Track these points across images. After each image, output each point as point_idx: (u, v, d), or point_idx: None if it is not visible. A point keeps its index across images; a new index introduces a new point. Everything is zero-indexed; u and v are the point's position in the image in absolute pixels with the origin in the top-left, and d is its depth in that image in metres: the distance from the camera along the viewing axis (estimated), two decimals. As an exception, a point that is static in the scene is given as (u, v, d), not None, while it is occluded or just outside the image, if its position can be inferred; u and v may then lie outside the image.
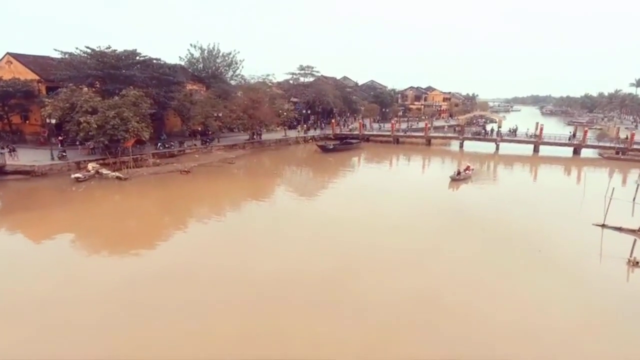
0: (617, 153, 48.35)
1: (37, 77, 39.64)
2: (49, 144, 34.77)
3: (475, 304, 14.24)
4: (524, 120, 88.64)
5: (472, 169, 36.58)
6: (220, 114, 45.13)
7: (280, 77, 65.26)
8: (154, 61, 42.33)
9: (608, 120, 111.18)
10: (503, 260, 18.16)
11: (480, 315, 13.57)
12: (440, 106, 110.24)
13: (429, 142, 57.00)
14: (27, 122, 41.84)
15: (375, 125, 70.85)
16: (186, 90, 45.49)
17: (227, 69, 55.21)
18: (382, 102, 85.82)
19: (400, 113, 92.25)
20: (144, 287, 14.93)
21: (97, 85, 38.71)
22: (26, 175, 30.54)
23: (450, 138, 60.47)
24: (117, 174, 31.26)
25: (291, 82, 66.66)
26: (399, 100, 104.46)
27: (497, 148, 52.16)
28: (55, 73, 38.13)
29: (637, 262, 17.65)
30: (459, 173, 33.79)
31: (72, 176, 30.04)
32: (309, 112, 65.31)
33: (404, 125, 70.79)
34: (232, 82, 55.34)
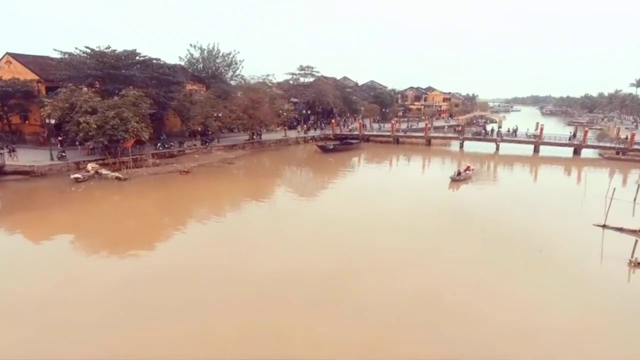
0: (618, 153, 48.33)
1: (36, 77, 39.61)
2: (48, 144, 34.75)
3: (475, 304, 14.23)
4: (524, 120, 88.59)
5: (473, 169, 36.57)
6: (220, 114, 45.11)
7: (280, 77, 65.42)
8: (154, 61, 42.31)
9: (608, 120, 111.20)
10: (503, 261, 18.15)
11: (480, 315, 13.57)
12: (440, 106, 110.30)
13: (429, 143, 56.99)
14: (27, 122, 41.82)
15: (375, 126, 70.85)
16: (186, 90, 45.44)
17: (227, 69, 55.18)
18: (382, 102, 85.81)
19: (400, 113, 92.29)
20: (143, 287, 14.92)
21: (97, 86, 38.68)
22: (25, 176, 30.51)
23: (451, 138, 60.44)
24: (116, 174, 31.24)
25: (291, 82, 66.66)
26: (399, 101, 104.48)
27: (497, 148, 52.15)
28: (54, 73, 38.09)
29: (639, 263, 17.59)
30: (459, 173, 33.76)
31: (72, 176, 30.02)
32: (309, 112, 65.30)
33: (404, 126, 70.83)
34: (232, 82, 55.32)
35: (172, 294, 14.33)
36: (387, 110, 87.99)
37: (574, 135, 54.53)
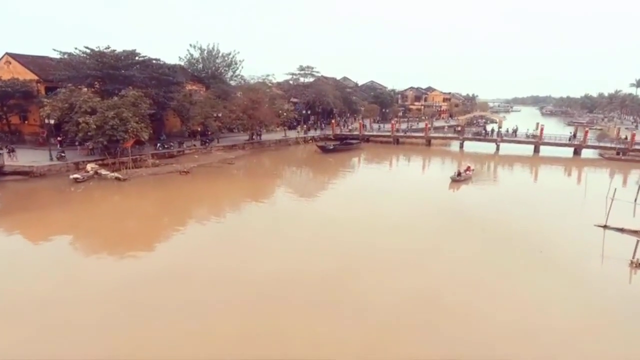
0: (618, 154, 48.31)
1: (36, 78, 39.58)
2: (47, 145, 34.66)
3: (475, 304, 14.23)
4: (524, 120, 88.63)
5: (473, 170, 36.57)
6: (219, 115, 45.08)
7: (280, 77, 65.38)
8: (154, 61, 42.24)
9: (608, 120, 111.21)
10: (503, 261, 18.14)
11: (480, 315, 13.56)
12: (440, 106, 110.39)
13: (429, 143, 56.99)
14: (26, 122, 41.80)
15: (375, 126, 70.84)
16: (186, 90, 45.38)
17: (227, 69, 55.14)
18: (382, 102, 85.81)
19: (400, 113, 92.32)
20: (143, 287, 14.91)
21: (96, 86, 38.64)
22: (25, 176, 30.48)
23: (451, 138, 60.43)
24: (116, 174, 31.22)
25: (291, 82, 66.63)
26: (399, 101, 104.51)
27: (498, 148, 52.14)
28: (54, 73, 38.02)
29: None
30: (459, 174, 33.73)
31: (71, 177, 30.00)
32: (308, 112, 65.29)
33: (404, 126, 70.86)
34: (232, 83, 55.30)
35: (172, 294, 14.33)
36: (387, 111, 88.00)
37: (574, 136, 54.52)
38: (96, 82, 38.67)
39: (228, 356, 11.32)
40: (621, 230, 21.65)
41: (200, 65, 53.82)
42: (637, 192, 24.60)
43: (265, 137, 51.84)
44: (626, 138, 51.74)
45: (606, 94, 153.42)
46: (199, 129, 46.44)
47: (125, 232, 21.79)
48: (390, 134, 59.52)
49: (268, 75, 57.90)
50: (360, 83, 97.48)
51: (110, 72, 37.64)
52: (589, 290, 15.81)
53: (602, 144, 53.03)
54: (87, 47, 38.58)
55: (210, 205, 27.34)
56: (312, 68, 65.80)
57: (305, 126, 61.30)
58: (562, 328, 13.02)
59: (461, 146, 55.22)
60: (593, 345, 12.48)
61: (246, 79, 56.08)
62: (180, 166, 35.65)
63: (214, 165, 37.99)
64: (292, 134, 56.38)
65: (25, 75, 39.64)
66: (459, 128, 63.28)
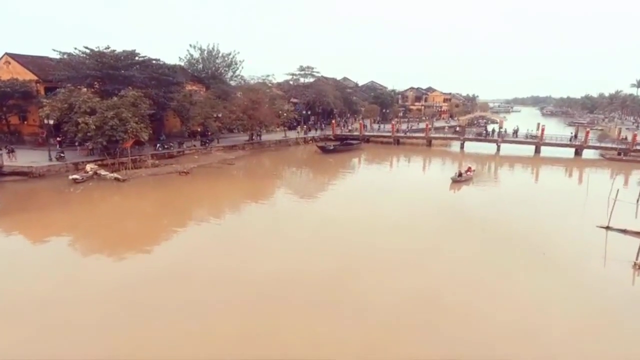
0: (619, 154, 48.25)
1: (35, 78, 39.63)
2: (47, 145, 34.67)
3: (475, 304, 14.21)
4: (525, 121, 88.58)
5: (474, 170, 36.50)
6: (219, 115, 45.08)
7: (280, 77, 65.49)
8: (153, 61, 42.24)
9: (609, 121, 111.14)
10: (503, 261, 18.12)
11: (480, 315, 13.55)
12: (441, 107, 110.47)
13: (429, 143, 56.98)
14: (25, 122, 41.84)
15: (376, 126, 70.82)
16: (185, 90, 45.35)
17: (227, 69, 55.21)
18: (382, 102, 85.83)
19: (401, 114, 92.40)
20: (143, 287, 14.90)
21: (96, 86, 38.65)
22: (24, 177, 30.48)
23: (451, 139, 60.36)
24: (115, 175, 31.20)
25: (291, 82, 66.67)
26: (399, 101, 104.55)
27: (498, 149, 52.07)
28: (53, 73, 37.99)
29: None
30: (460, 174, 33.67)
31: (70, 177, 29.98)
32: (309, 112, 65.28)
33: (404, 126, 70.85)
34: (232, 83, 55.35)
35: (172, 294, 14.32)
36: (388, 111, 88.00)
37: (576, 136, 54.49)
38: (96, 82, 38.68)
39: (228, 356, 11.30)
40: (624, 231, 21.43)
41: (200, 66, 53.87)
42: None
43: (265, 137, 51.84)
44: (626, 138, 51.67)
45: (607, 95, 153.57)
46: (199, 130, 46.47)
47: (125, 232, 21.78)
48: (390, 134, 59.49)
49: (268, 76, 58.10)
50: (360, 83, 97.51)
51: (110, 72, 37.63)
52: (590, 291, 15.77)
53: (603, 145, 52.89)
54: (86, 47, 38.58)
55: (210, 206, 27.34)
56: (312, 68, 65.92)
57: (305, 126, 61.25)
58: (562, 328, 13.00)
59: (462, 147, 55.15)
60: (593, 346, 12.46)
61: (246, 79, 56.23)
62: (180, 167, 35.63)
63: (213, 166, 37.97)
64: (292, 135, 56.37)
65: (25, 75, 39.67)
66: (459, 129, 63.26)
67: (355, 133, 60.08)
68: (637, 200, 25.48)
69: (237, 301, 14.05)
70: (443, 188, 32.12)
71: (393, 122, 66.31)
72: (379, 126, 70.56)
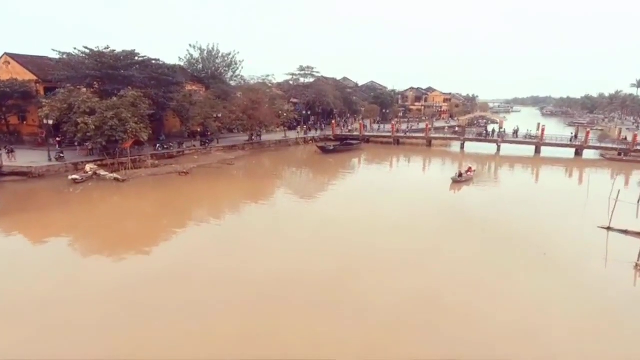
0: (620, 154, 48.20)
1: (35, 78, 39.64)
2: (46, 145, 34.66)
3: (475, 304, 14.20)
4: (525, 121, 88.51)
5: (474, 171, 36.46)
6: (219, 115, 45.09)
7: (280, 77, 65.48)
8: (153, 61, 42.24)
9: (609, 121, 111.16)
10: (503, 261, 18.11)
11: (480, 315, 13.54)
12: (441, 107, 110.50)
13: (429, 143, 56.97)
14: (25, 122, 41.84)
15: (376, 126, 70.83)
16: (185, 90, 45.36)
17: (227, 69, 55.23)
18: (382, 103, 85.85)
19: (401, 114, 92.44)
20: (143, 288, 14.89)
21: (96, 86, 38.66)
22: (23, 177, 30.46)
23: (451, 139, 60.32)
24: (115, 175, 31.17)
25: (291, 82, 66.68)
26: (399, 101, 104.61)
27: (499, 149, 52.05)
28: (53, 73, 37.99)
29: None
30: (460, 175, 33.63)
31: (70, 177, 29.95)
32: (309, 113, 65.30)
33: (404, 126, 70.84)
34: (232, 83, 55.37)
35: (172, 294, 14.31)
36: (388, 111, 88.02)
37: (576, 136, 54.46)
38: (95, 83, 38.68)
39: (228, 356, 11.29)
40: (625, 232, 21.32)
41: (200, 66, 53.88)
42: (640, 193, 24.47)
43: (265, 137, 51.83)
44: (626, 138, 51.64)
45: (607, 95, 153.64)
46: (199, 130, 46.48)
47: (124, 232, 21.77)
48: (390, 134, 59.49)
49: (268, 76, 58.10)
50: (360, 83, 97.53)
51: (110, 72, 37.62)
52: (590, 291, 15.76)
53: (603, 145, 52.83)
54: (86, 47, 38.58)
55: (210, 206, 27.33)
56: (312, 68, 65.95)
57: (305, 127, 61.25)
58: (563, 328, 12.99)
59: (462, 147, 55.12)
60: (593, 346, 12.45)
61: (246, 79, 56.23)
62: (179, 167, 35.61)
63: (213, 166, 37.96)
64: (292, 135, 56.38)
65: (24, 75, 39.68)
66: (459, 129, 63.23)
67: (355, 133, 60.08)
68: (638, 201, 25.43)
69: (237, 301, 14.03)
70: (443, 188, 32.11)
71: (393, 122, 66.31)
72: (379, 126, 70.56)
